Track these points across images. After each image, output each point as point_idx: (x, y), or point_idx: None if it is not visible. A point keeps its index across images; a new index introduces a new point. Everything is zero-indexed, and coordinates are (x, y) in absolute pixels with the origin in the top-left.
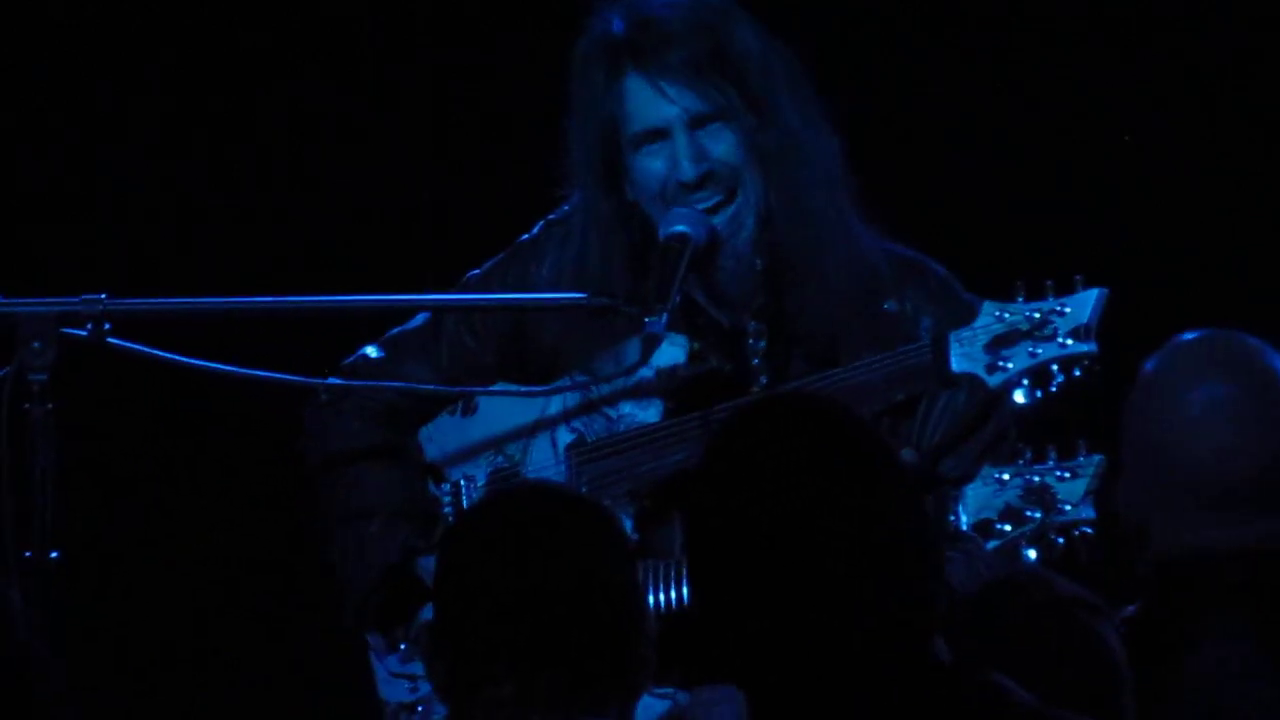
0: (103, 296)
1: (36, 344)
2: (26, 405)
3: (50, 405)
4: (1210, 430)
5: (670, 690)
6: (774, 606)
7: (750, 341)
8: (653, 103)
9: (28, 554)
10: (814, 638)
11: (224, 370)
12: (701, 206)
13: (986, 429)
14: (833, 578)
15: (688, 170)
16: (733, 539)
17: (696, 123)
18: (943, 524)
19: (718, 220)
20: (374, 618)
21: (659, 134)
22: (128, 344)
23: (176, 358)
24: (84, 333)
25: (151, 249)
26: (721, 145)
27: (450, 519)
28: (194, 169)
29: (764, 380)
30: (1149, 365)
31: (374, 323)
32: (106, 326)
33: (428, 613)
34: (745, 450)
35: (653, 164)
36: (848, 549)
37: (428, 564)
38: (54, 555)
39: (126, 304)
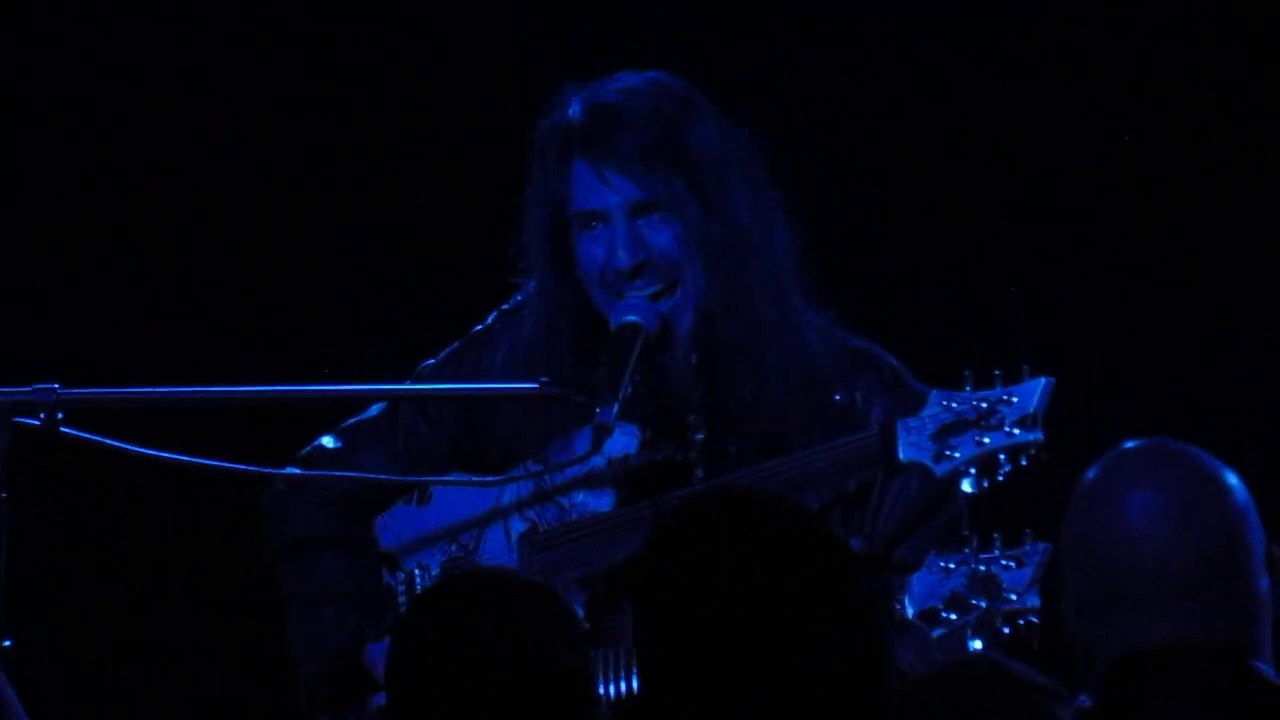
0: (55, 386)
1: None
2: None
3: (3, 494)
4: (1152, 530)
5: None
6: (720, 697)
7: (690, 434)
8: (595, 188)
9: None
10: None
11: (179, 460)
12: (640, 295)
13: (937, 519)
14: (778, 668)
15: (623, 258)
16: (677, 631)
17: (636, 211)
18: (889, 612)
19: (660, 309)
20: (325, 704)
21: (600, 217)
22: (81, 434)
23: (130, 447)
24: (37, 422)
25: (105, 338)
26: (661, 236)
27: (404, 607)
28: (148, 257)
29: (699, 472)
30: (1089, 474)
31: (330, 413)
32: (59, 415)
33: (379, 700)
34: (689, 543)
35: (593, 249)
36: (792, 639)
37: (378, 652)
38: (6, 644)
39: (80, 393)
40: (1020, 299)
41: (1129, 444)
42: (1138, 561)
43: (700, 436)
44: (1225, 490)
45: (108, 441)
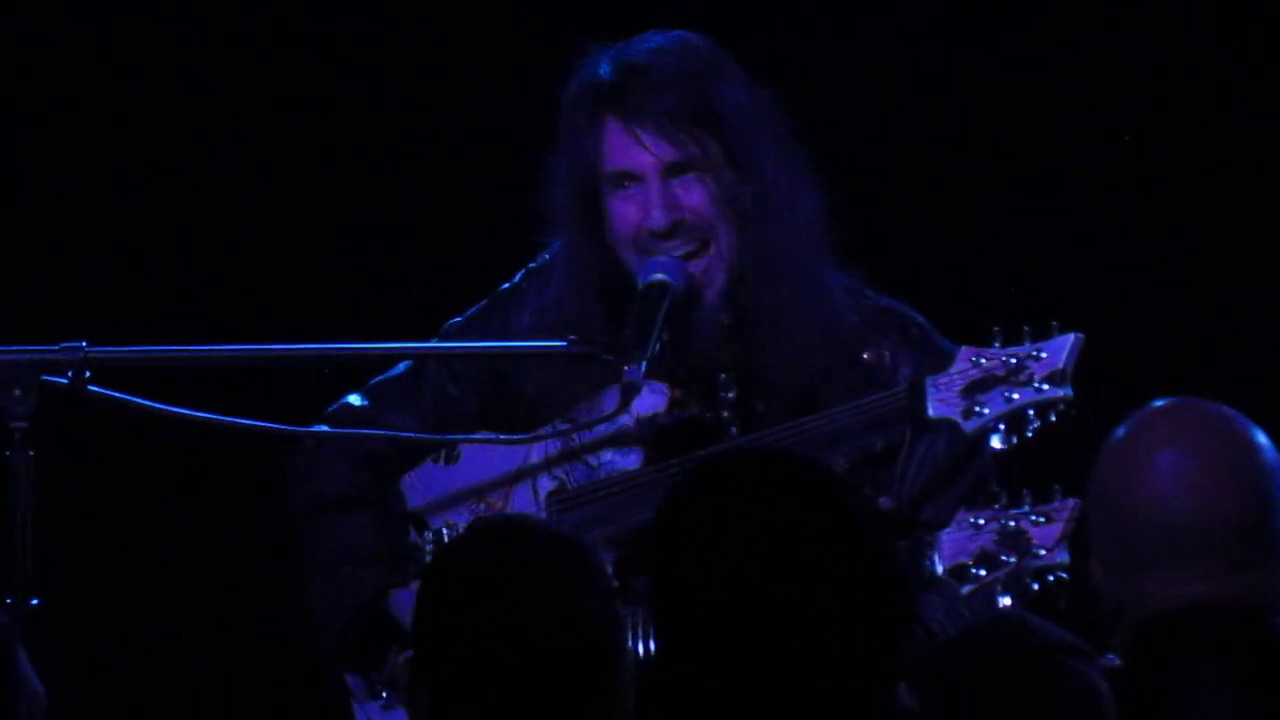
0: (83, 344)
1: (17, 391)
2: (7, 452)
3: (31, 452)
4: (1180, 489)
5: None
6: (738, 658)
7: (720, 393)
8: (629, 148)
9: (8, 600)
10: (777, 690)
11: (206, 418)
12: (674, 254)
13: (965, 476)
14: (796, 629)
15: (658, 218)
16: (697, 592)
17: (670, 171)
18: (919, 569)
19: (691, 269)
20: (348, 656)
21: (633, 178)
22: (108, 392)
23: (158, 405)
24: (64, 380)
25: (132, 296)
26: (694, 196)
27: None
28: (174, 216)
29: (734, 430)
30: (1117, 433)
31: (357, 371)
32: (87, 374)
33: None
34: (711, 504)
35: (626, 209)
36: (812, 599)
37: (402, 601)
38: (34, 602)
39: (107, 351)
40: (1050, 258)
41: (1157, 402)
42: (1165, 521)
43: (731, 395)
44: (1254, 449)
45: (136, 400)
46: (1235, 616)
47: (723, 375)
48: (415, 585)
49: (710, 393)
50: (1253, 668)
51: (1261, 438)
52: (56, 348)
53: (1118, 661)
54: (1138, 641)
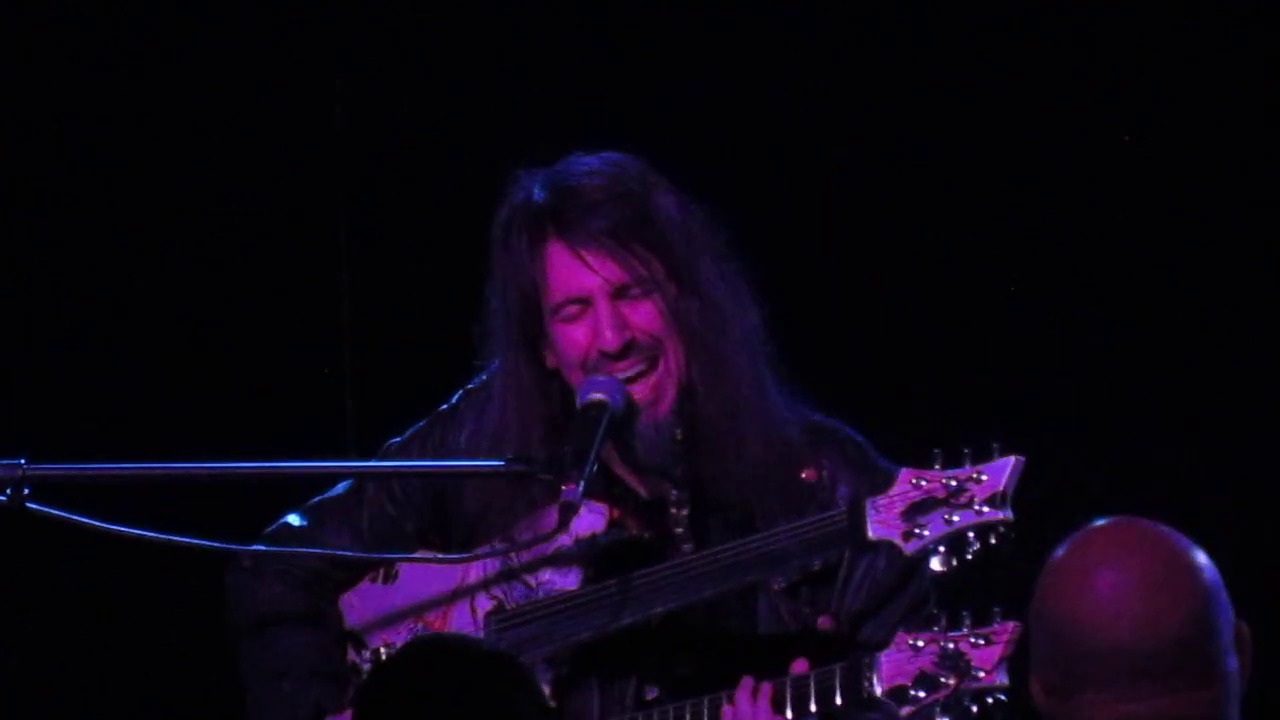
0: (21, 461)
1: None
2: None
3: None
4: (1120, 610)
5: None
6: None
7: (672, 510)
8: (575, 271)
9: None
10: None
11: (146, 536)
12: (624, 375)
13: (905, 595)
14: None
15: (610, 339)
16: None
17: (619, 292)
18: (857, 690)
19: (639, 389)
20: None
21: (581, 302)
22: (48, 509)
23: (97, 523)
24: (3, 498)
25: (72, 412)
26: (642, 314)
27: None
28: (116, 330)
29: (687, 548)
30: (1057, 552)
31: (296, 489)
32: (26, 491)
33: None
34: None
35: (575, 333)
36: None
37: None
38: None
39: (46, 468)
40: (992, 377)
41: (1097, 522)
42: (1105, 641)
43: (685, 511)
44: (1193, 569)
45: (75, 517)
46: None
47: (675, 492)
48: (349, 712)
49: (651, 513)
50: None
51: (1201, 557)
52: None
53: None
54: None
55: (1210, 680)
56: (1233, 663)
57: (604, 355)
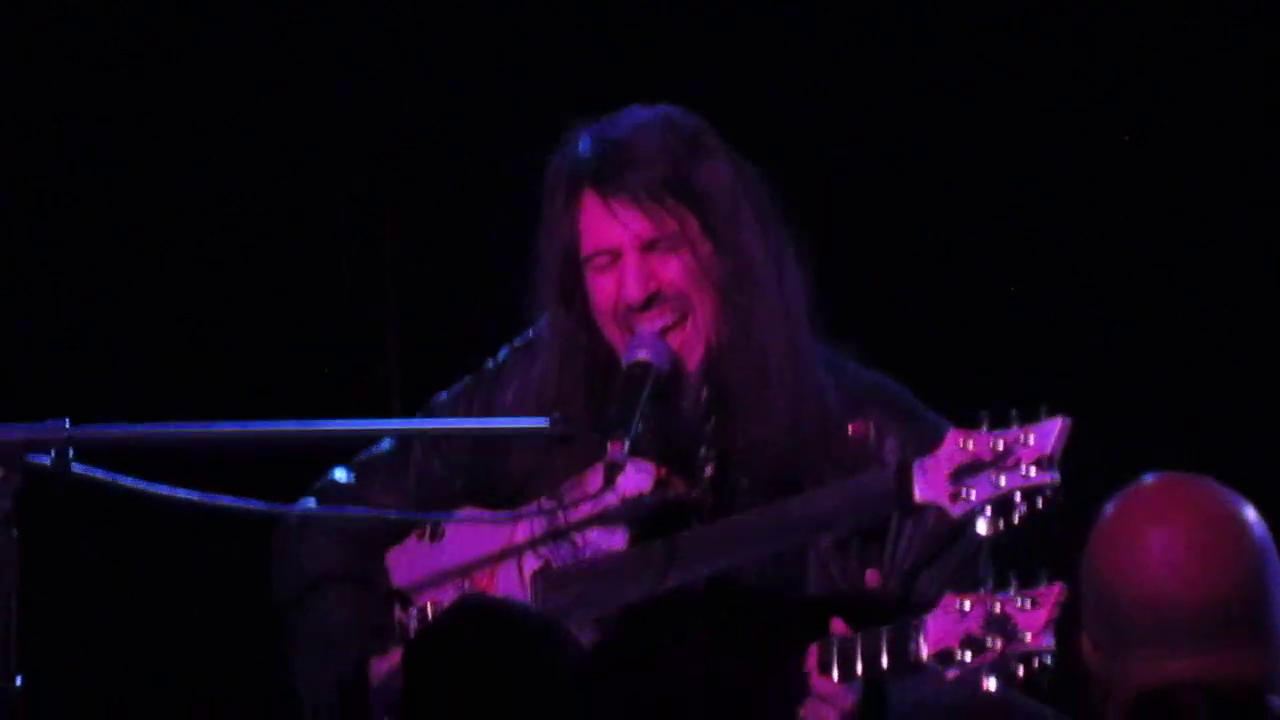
0: (66, 423)
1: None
2: None
3: (14, 531)
4: (1170, 568)
5: None
6: None
7: (699, 469)
8: (606, 225)
9: None
10: None
11: (190, 498)
12: (650, 328)
13: (952, 556)
14: None
15: (634, 292)
16: None
17: (647, 247)
18: (904, 653)
19: (670, 343)
20: None
21: (610, 254)
22: (92, 471)
23: (141, 485)
24: (47, 459)
25: (116, 375)
26: (671, 269)
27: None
28: (160, 293)
29: (713, 504)
30: (1107, 510)
31: (343, 447)
32: (70, 453)
33: None
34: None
35: (604, 284)
36: None
37: (381, 670)
38: (18, 682)
39: (91, 430)
40: (1038, 336)
41: (1146, 478)
42: (1155, 600)
43: (710, 471)
44: (1243, 526)
45: (119, 479)
46: (1227, 695)
47: (702, 450)
48: (395, 654)
49: (694, 469)
50: None
51: (1251, 514)
52: (39, 426)
53: None
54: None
55: (1260, 639)
56: None
57: (629, 307)
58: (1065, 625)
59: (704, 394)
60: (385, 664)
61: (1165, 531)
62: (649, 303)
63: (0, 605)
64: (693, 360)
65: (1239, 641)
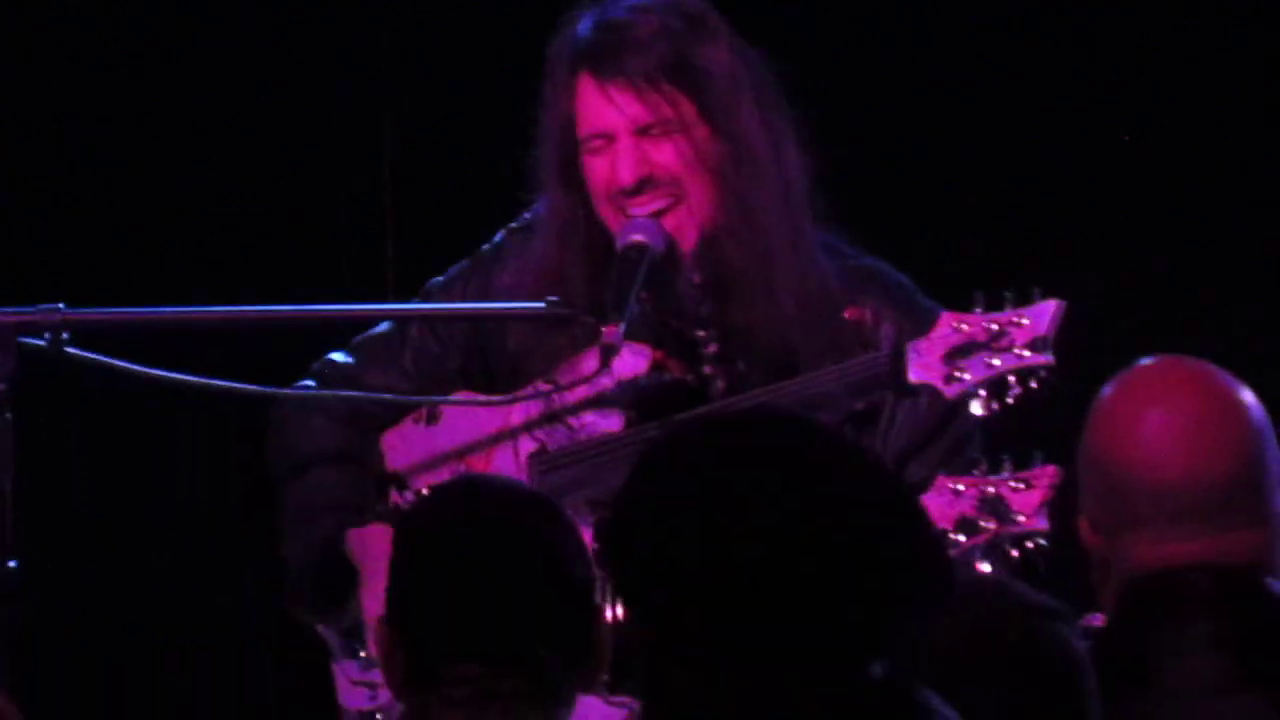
0: (60, 306)
1: None
2: None
3: (8, 414)
4: (1168, 450)
5: (625, 699)
6: (720, 629)
7: (701, 350)
8: (602, 108)
9: None
10: (749, 668)
11: (186, 380)
12: (642, 212)
13: (946, 438)
14: (782, 600)
15: (625, 175)
16: (671, 558)
17: (641, 131)
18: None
19: (664, 226)
20: (309, 600)
21: (605, 137)
22: (86, 354)
23: (137, 367)
24: (42, 342)
25: (111, 260)
26: (665, 153)
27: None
28: (153, 177)
29: (719, 386)
30: (1106, 391)
31: (340, 331)
32: (65, 336)
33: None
34: (687, 469)
35: (599, 165)
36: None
37: (359, 540)
38: (13, 564)
39: (85, 313)
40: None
41: (1145, 361)
42: (1154, 481)
43: (712, 350)
44: (1241, 409)
45: (113, 362)
46: (1225, 576)
47: (701, 333)
48: (374, 527)
49: (693, 352)
50: (1242, 627)
51: (1249, 396)
52: (33, 309)
53: (1098, 622)
54: (1126, 600)
55: (1258, 520)
56: None
57: (621, 190)
58: (1064, 511)
59: (698, 278)
60: (362, 535)
61: (1164, 412)
62: (641, 187)
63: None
64: (687, 244)
65: (1237, 523)
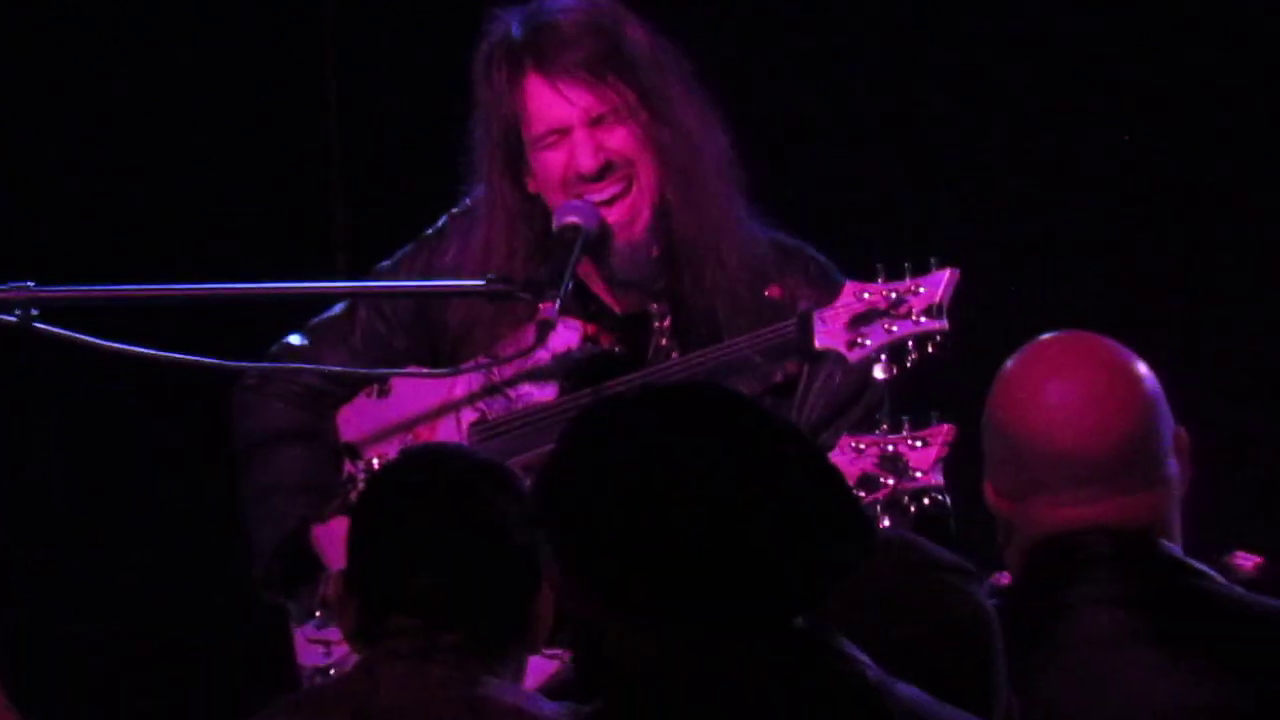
0: (29, 283)
1: None
2: None
3: None
4: (1068, 418)
5: (559, 651)
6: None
7: (655, 324)
8: (553, 103)
9: None
10: (687, 626)
11: (149, 354)
12: (601, 198)
13: (858, 405)
14: (712, 554)
15: (587, 163)
16: (601, 520)
17: (595, 121)
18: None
19: (616, 210)
20: (277, 581)
21: (560, 132)
22: (53, 329)
23: (102, 342)
24: (12, 318)
25: (80, 237)
26: (617, 138)
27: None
28: (123, 158)
29: (674, 355)
30: (1008, 363)
31: (294, 311)
32: (34, 312)
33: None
34: (618, 432)
35: (554, 158)
36: (749, 527)
37: (321, 535)
38: None
39: (53, 290)
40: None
41: (1046, 335)
42: (1054, 447)
43: (666, 324)
44: (1136, 379)
45: (80, 337)
46: (1121, 537)
47: (655, 305)
48: (335, 521)
49: (626, 328)
50: (1136, 586)
51: (1143, 368)
52: (4, 286)
53: (1005, 580)
54: (1029, 560)
55: (1153, 483)
56: (1173, 466)
57: (581, 178)
58: (964, 470)
59: (655, 251)
60: (325, 530)
61: (1063, 383)
62: (601, 173)
63: None
64: (641, 222)
65: (1132, 487)
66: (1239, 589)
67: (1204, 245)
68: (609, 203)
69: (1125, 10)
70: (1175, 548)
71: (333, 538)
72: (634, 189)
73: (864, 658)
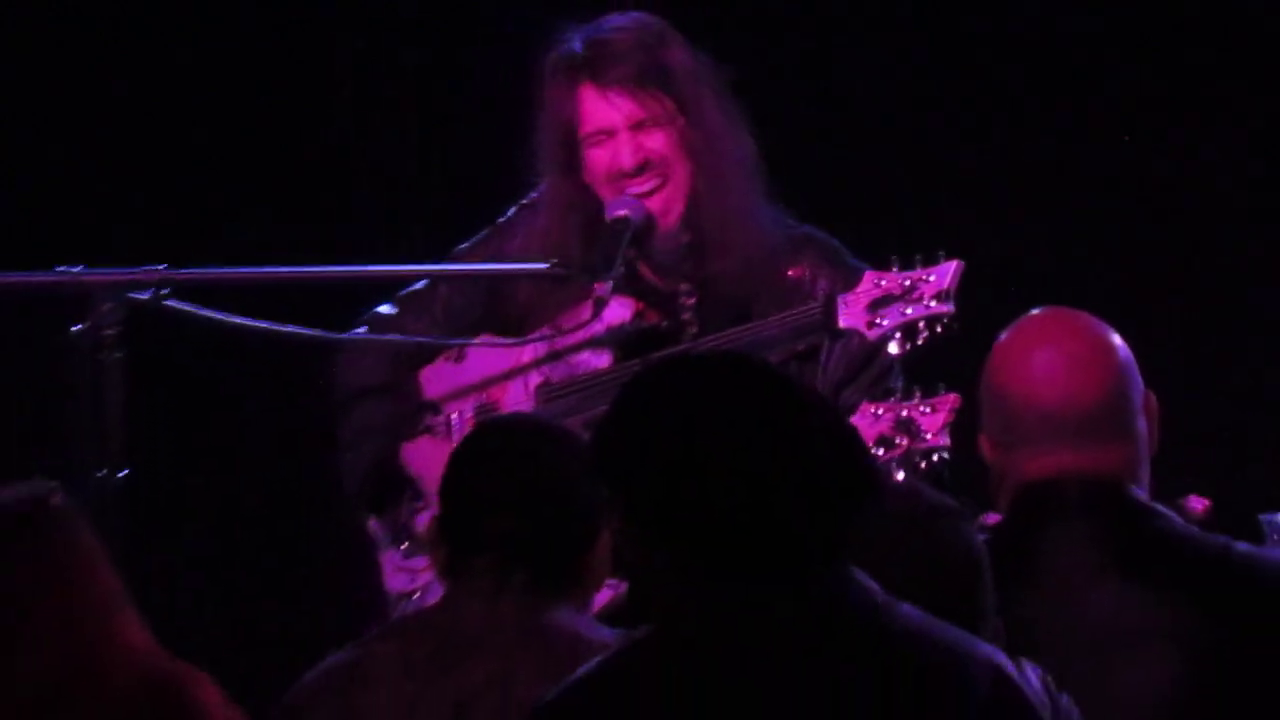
0: (162, 266)
1: (107, 305)
2: (102, 354)
3: (119, 354)
4: (1051, 381)
5: (613, 581)
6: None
7: (682, 301)
8: (603, 109)
9: (102, 473)
10: (730, 577)
11: (264, 327)
12: (640, 191)
13: (874, 366)
14: (756, 507)
15: (627, 161)
16: (657, 477)
17: (636, 125)
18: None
19: (653, 203)
20: (368, 500)
21: (607, 133)
22: (181, 305)
23: (222, 316)
24: (146, 296)
25: (209, 225)
26: (656, 141)
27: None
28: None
29: (694, 331)
30: (1002, 335)
31: (382, 287)
32: (165, 291)
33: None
34: (668, 394)
35: (601, 156)
36: (771, 479)
37: (411, 449)
38: (123, 474)
39: (183, 273)
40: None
41: (1034, 311)
42: (1039, 407)
43: (692, 301)
44: (1110, 348)
45: (203, 311)
46: (1094, 484)
47: (684, 286)
48: (421, 440)
49: (671, 306)
50: (1109, 526)
51: (1116, 339)
52: (139, 269)
53: (993, 520)
54: (1015, 503)
55: (1124, 438)
56: (1142, 424)
57: (622, 174)
58: (967, 430)
59: (684, 239)
60: (413, 448)
61: (1048, 351)
62: (640, 170)
63: (112, 411)
64: (674, 214)
65: (1105, 440)
66: (1194, 528)
67: (1204, 246)
68: (646, 195)
69: (1125, 10)
70: (1140, 491)
71: (419, 453)
72: (668, 185)
73: (872, 584)
